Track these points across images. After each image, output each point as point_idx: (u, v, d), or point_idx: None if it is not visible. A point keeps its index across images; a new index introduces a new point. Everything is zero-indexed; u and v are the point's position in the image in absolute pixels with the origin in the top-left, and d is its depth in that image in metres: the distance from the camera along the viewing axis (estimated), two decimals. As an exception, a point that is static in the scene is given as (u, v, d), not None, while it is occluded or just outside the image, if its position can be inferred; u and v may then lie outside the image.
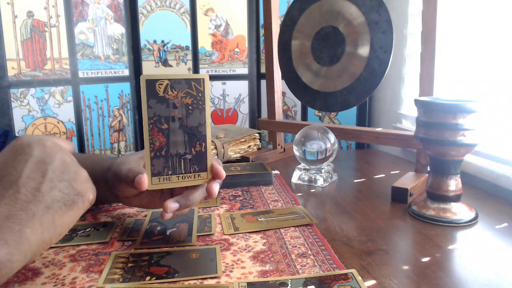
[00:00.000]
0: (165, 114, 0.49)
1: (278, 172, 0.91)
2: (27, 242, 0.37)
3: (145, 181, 0.48)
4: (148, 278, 0.45)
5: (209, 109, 0.51)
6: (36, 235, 0.38)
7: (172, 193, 0.56)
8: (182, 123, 0.50)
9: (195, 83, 0.49)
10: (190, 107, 0.50)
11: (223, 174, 0.52)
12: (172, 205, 0.50)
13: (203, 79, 0.50)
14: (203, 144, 0.51)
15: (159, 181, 0.49)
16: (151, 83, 0.48)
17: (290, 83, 0.98)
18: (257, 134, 1.10)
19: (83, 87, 1.48)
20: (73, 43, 1.45)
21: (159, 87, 0.48)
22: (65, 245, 0.53)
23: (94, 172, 0.55)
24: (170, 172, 0.50)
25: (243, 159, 1.01)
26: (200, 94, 0.50)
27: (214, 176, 0.51)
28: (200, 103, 0.50)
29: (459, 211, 0.63)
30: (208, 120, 0.51)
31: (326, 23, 0.89)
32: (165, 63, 1.63)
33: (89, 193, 0.43)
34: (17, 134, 1.34)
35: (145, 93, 0.48)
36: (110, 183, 0.55)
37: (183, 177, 0.50)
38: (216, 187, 0.52)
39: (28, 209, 0.38)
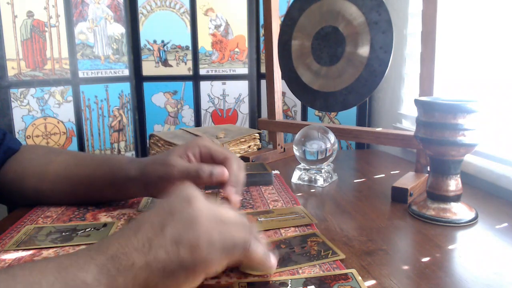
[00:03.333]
0: None
1: (278, 172, 0.91)
2: None
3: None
4: (148, 278, 0.45)
5: None
6: None
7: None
8: None
9: None
10: None
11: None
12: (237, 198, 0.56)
13: None
14: None
15: None
16: None
17: (290, 83, 0.98)
18: (257, 134, 1.10)
19: (83, 87, 1.49)
20: (73, 43, 1.45)
21: None
22: (65, 245, 0.53)
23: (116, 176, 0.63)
24: None
25: (243, 159, 1.01)
26: None
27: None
28: None
29: (459, 211, 0.63)
30: None
31: (326, 23, 0.89)
32: (165, 63, 1.63)
33: (199, 273, 0.37)
34: (17, 134, 1.34)
35: None
36: (152, 179, 0.59)
37: None
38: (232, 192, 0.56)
39: (131, 256, 0.35)
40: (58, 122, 1.44)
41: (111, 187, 0.65)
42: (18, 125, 1.36)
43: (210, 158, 0.60)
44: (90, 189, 0.66)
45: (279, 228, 0.59)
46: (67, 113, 1.46)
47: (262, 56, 1.60)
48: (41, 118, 1.40)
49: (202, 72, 1.64)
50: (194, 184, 0.51)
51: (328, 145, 0.82)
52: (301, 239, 0.55)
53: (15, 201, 0.70)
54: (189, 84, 1.65)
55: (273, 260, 0.42)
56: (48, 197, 0.67)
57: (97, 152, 1.55)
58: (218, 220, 0.38)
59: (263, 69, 1.59)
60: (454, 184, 0.64)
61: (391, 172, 0.93)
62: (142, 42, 1.60)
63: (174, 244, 0.36)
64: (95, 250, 0.37)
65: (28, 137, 1.37)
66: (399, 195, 0.72)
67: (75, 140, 1.48)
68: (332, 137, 0.83)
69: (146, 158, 0.63)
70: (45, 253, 0.51)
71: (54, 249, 0.52)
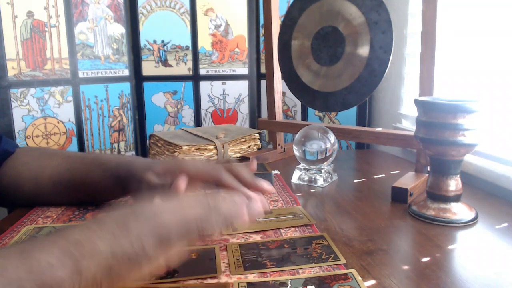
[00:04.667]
0: None
1: (278, 172, 0.91)
2: (78, 275, 0.36)
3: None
4: (148, 278, 0.45)
5: None
6: (89, 272, 0.36)
7: None
8: None
9: None
10: None
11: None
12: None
13: None
14: None
15: None
16: None
17: (290, 83, 0.98)
18: (257, 134, 1.10)
19: (83, 87, 1.48)
20: (73, 43, 1.45)
21: None
22: (65, 245, 0.53)
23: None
24: None
25: (243, 159, 1.01)
26: None
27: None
28: None
29: (459, 211, 0.63)
30: None
31: (326, 23, 0.89)
32: (165, 63, 1.63)
33: (160, 259, 0.40)
34: (17, 134, 1.34)
35: None
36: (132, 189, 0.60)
37: None
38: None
39: (95, 244, 0.37)
40: (58, 122, 1.44)
41: (106, 192, 0.66)
42: (18, 125, 1.35)
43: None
44: (83, 192, 0.67)
45: (279, 228, 0.59)
46: (67, 113, 1.46)
47: (262, 56, 1.60)
48: (41, 118, 1.40)
49: (202, 72, 1.64)
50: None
51: (328, 145, 0.82)
52: (307, 240, 0.54)
53: (13, 203, 0.71)
54: (189, 84, 1.65)
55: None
56: (45, 200, 0.68)
57: (97, 153, 1.55)
58: (177, 207, 0.42)
59: (263, 69, 1.59)
60: (454, 184, 0.64)
61: (391, 172, 0.93)
62: (142, 42, 1.60)
63: (138, 238, 0.39)
64: (57, 236, 0.38)
65: (28, 137, 1.37)
66: (399, 195, 0.72)
67: (75, 140, 1.48)
68: (332, 137, 0.83)
69: (136, 166, 0.61)
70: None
71: (54, 249, 0.52)
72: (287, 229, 0.59)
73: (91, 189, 0.65)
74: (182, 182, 0.53)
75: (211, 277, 0.45)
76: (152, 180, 0.57)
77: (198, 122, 1.68)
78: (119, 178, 0.62)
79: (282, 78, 1.05)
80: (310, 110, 1.49)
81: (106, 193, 0.67)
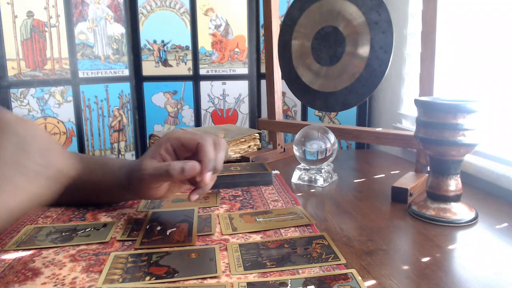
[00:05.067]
0: None
1: (278, 172, 0.91)
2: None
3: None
4: (147, 278, 0.45)
5: None
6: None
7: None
8: None
9: None
10: None
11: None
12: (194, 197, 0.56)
13: None
14: None
15: None
16: None
17: (290, 83, 0.98)
18: (257, 134, 1.10)
19: (83, 87, 1.49)
20: (73, 43, 1.45)
21: None
22: (65, 245, 0.53)
23: (109, 177, 0.63)
24: None
25: (243, 159, 1.01)
26: None
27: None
28: None
29: (459, 211, 0.63)
30: None
31: (326, 23, 0.89)
32: (165, 63, 1.63)
33: (56, 167, 0.43)
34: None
35: None
36: (135, 185, 0.59)
37: None
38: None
39: (18, 182, 0.39)
40: (58, 122, 1.44)
41: (105, 193, 0.66)
42: (18, 125, 1.35)
43: (185, 149, 0.57)
44: (85, 194, 0.66)
45: (279, 228, 0.59)
46: (67, 113, 1.46)
47: (262, 56, 1.60)
48: (41, 118, 1.40)
49: (202, 72, 1.64)
50: (171, 182, 0.58)
51: (328, 145, 0.82)
52: (307, 240, 0.55)
53: None
54: (189, 84, 1.65)
55: None
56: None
57: (97, 153, 1.55)
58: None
59: (263, 69, 1.59)
60: (454, 184, 0.64)
61: (391, 172, 0.93)
62: (142, 42, 1.60)
63: (29, 152, 0.41)
64: None
65: (28, 137, 1.37)
66: (399, 195, 0.72)
67: (75, 140, 1.48)
68: (332, 137, 0.83)
69: (134, 162, 0.62)
70: (45, 253, 0.51)
71: (54, 249, 0.52)
72: (287, 229, 0.59)
73: (92, 190, 0.65)
74: (195, 165, 0.53)
75: (211, 277, 0.45)
76: (148, 168, 0.55)
77: (198, 122, 1.68)
78: (120, 180, 0.61)
79: (282, 78, 1.05)
80: (310, 110, 1.49)
81: (107, 195, 0.66)
